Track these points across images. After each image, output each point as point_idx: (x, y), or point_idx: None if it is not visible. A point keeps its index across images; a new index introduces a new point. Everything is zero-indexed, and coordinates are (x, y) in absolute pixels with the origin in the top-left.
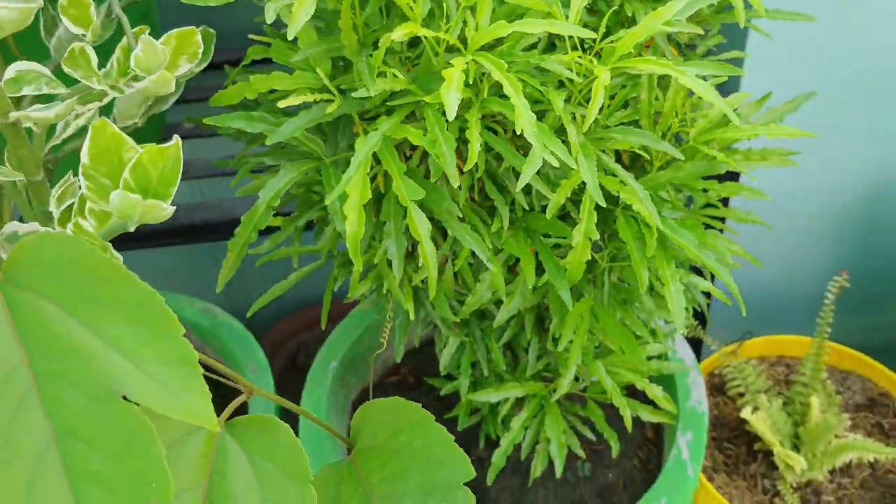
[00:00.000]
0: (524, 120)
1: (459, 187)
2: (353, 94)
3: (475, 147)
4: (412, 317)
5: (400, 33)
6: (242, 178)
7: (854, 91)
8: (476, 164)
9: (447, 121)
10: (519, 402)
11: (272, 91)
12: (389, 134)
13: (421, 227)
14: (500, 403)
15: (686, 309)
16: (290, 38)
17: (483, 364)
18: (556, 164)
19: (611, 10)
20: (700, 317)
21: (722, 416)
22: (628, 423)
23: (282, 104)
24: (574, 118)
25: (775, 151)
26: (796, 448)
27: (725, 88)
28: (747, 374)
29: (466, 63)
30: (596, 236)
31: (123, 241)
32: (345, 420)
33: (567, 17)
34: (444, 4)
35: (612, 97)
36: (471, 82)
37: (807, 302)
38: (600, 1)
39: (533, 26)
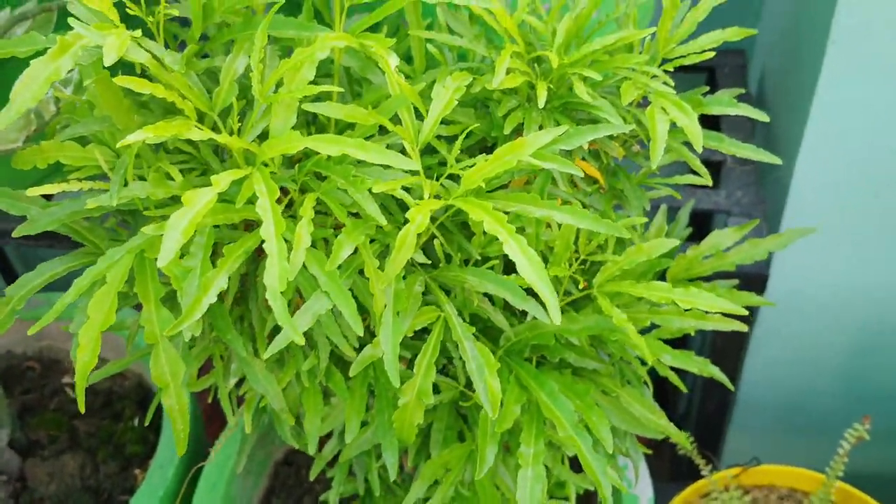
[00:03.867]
0: (271, 276)
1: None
2: (90, 201)
3: (204, 300)
4: (248, 429)
5: (141, 136)
6: None
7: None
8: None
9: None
10: None
11: None
12: (140, 249)
13: (165, 371)
14: None
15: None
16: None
17: (359, 484)
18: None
19: (463, 131)
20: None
21: None
22: None
23: (31, 192)
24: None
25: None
26: None
27: (776, 179)
28: None
29: (245, 176)
30: (430, 400)
31: None
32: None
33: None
34: (236, 102)
35: None
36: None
37: (831, 433)
38: (491, 101)
39: (329, 145)
